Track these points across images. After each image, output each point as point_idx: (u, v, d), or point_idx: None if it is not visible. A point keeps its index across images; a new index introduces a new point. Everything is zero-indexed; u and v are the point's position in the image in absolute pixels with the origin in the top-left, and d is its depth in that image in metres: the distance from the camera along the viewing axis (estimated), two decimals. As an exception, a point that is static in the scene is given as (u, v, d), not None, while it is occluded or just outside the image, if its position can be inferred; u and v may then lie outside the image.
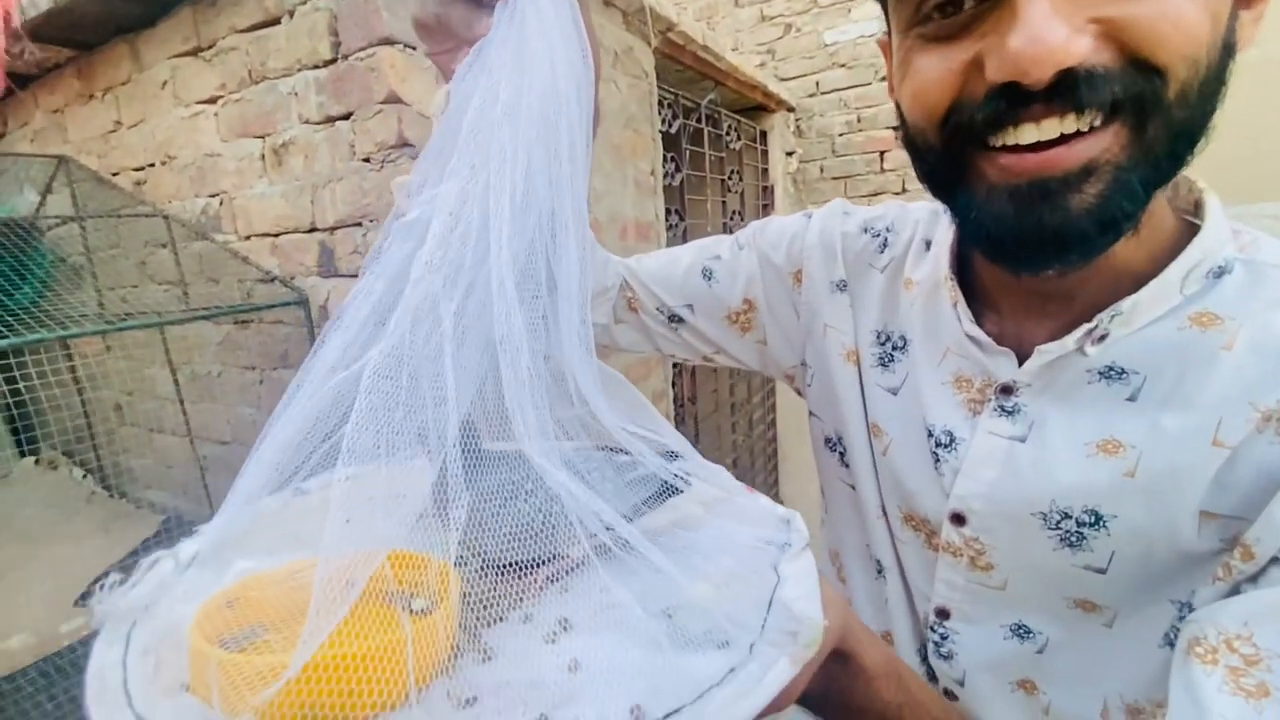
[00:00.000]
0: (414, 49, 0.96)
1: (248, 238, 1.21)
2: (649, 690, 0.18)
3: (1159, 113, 0.30)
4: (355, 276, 1.04)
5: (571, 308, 0.25)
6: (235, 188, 1.20)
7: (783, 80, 2.72)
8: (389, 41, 0.93)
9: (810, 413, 0.54)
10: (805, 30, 2.72)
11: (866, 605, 0.49)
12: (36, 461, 1.90)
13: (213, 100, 1.18)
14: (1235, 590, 0.32)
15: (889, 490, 0.46)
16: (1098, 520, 0.36)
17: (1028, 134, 0.31)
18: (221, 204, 1.23)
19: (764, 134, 2.58)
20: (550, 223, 0.25)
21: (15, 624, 1.08)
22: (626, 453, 0.25)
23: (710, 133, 2.05)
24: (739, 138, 2.30)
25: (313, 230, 1.11)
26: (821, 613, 0.23)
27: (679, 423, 1.94)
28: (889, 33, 0.38)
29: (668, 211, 1.79)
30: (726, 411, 2.35)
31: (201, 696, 0.17)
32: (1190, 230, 0.36)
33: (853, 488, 0.49)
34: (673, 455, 0.27)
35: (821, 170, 2.75)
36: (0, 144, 1.72)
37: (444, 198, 0.24)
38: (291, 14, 1.02)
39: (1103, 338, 0.36)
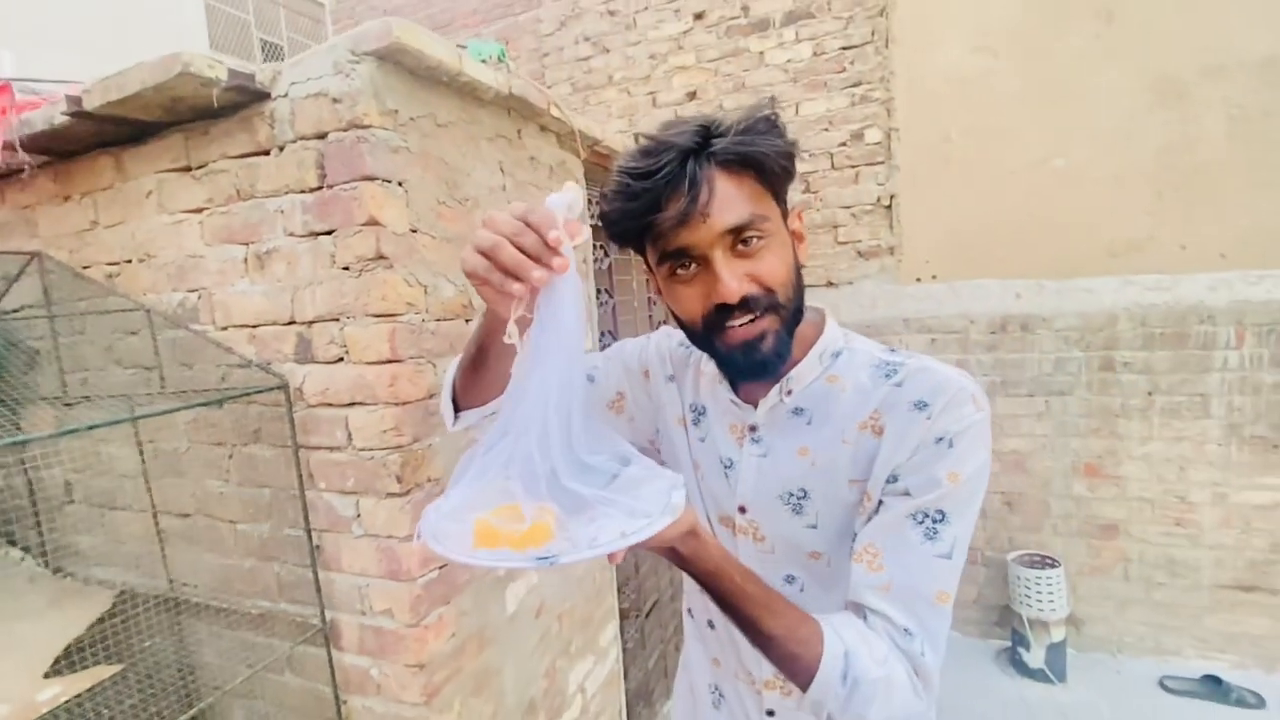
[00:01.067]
0: (389, 182, 1.18)
1: (225, 328, 1.36)
2: (620, 530, 0.46)
3: (781, 308, 0.63)
4: (331, 363, 1.22)
5: (570, 434, 0.53)
6: (216, 285, 1.35)
7: (696, 171, 3.10)
8: (370, 178, 1.15)
9: (663, 464, 0.85)
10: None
11: None
12: (-37, 545, 1.87)
13: (198, 210, 1.34)
14: (870, 518, 0.64)
15: (709, 503, 0.76)
16: (805, 494, 0.67)
17: (736, 321, 0.63)
18: (200, 298, 1.38)
19: (681, 217, 2.93)
20: (568, 402, 0.52)
21: (-12, 697, 1.13)
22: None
23: (633, 221, 2.35)
24: (659, 223, 2.63)
25: (291, 323, 1.28)
26: (685, 504, 0.52)
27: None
28: (652, 271, 0.69)
29: (599, 291, 2.06)
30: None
31: (486, 544, 0.45)
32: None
33: None
34: (627, 460, 0.56)
35: (732, 247, 3.13)
36: (-47, 233, 1.77)
37: (525, 396, 0.52)
38: (281, 149, 1.23)
39: (789, 391, 0.68)
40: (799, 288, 0.65)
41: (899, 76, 2.92)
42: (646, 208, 0.60)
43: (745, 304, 0.61)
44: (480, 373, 0.69)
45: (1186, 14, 2.52)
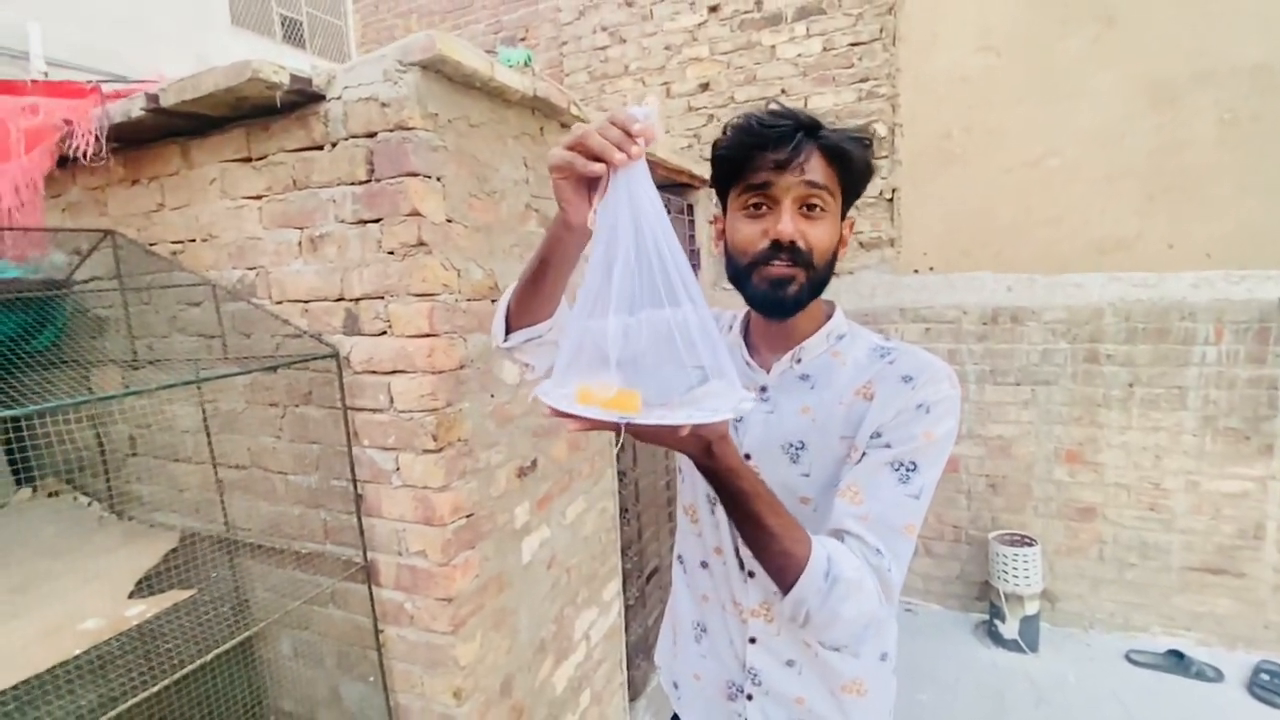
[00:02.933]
0: (430, 178, 1.34)
1: (280, 302, 1.53)
2: (688, 414, 0.56)
3: (813, 269, 0.78)
4: (376, 335, 1.40)
5: (695, 302, 0.60)
6: (272, 264, 1.53)
7: (705, 160, 3.23)
8: (413, 174, 1.31)
9: None
10: (725, 121, 3.26)
11: (709, 526, 0.90)
12: (34, 491, 2.08)
13: (258, 197, 1.51)
14: (854, 467, 0.78)
15: None
16: (804, 445, 0.82)
17: (779, 260, 0.77)
18: (258, 275, 1.55)
19: (690, 206, 3.07)
20: (669, 267, 0.59)
21: (85, 612, 1.33)
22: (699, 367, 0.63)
23: (644, 210, 2.51)
24: (670, 210, 2.77)
25: (340, 300, 1.45)
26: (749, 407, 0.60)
27: (622, 483, 2.33)
28: (724, 213, 0.84)
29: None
30: (662, 471, 2.77)
31: (583, 402, 0.55)
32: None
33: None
34: (720, 373, 0.63)
35: (739, 235, 3.27)
36: (26, 209, 1.95)
37: (610, 274, 0.59)
38: (334, 145, 1.39)
39: (799, 360, 0.84)
40: (830, 266, 0.81)
41: (904, 74, 3.03)
42: (756, 143, 0.76)
43: (791, 251, 0.77)
44: (539, 286, 0.79)
45: (1182, 20, 2.61)
